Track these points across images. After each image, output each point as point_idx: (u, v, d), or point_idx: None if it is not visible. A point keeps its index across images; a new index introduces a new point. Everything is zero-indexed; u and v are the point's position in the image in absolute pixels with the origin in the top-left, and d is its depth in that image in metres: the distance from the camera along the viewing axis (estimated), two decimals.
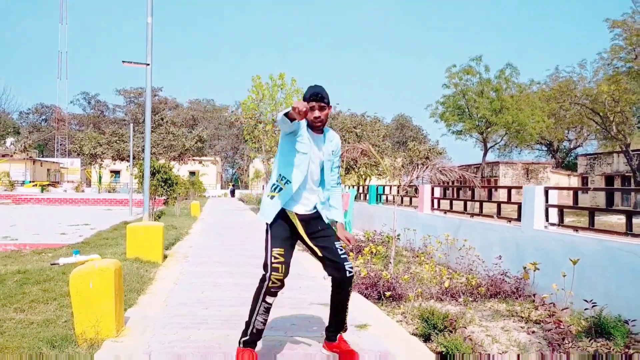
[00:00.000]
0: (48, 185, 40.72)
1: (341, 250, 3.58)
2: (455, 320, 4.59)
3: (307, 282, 6.62)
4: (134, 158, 22.99)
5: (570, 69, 35.16)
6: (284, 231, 3.52)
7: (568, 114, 32.19)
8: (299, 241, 3.66)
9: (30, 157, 52.99)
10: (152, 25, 8.58)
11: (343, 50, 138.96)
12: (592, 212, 5.76)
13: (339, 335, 3.80)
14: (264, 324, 3.54)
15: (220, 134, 73.58)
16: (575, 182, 43.84)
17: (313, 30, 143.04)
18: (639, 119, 30.41)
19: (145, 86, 9.35)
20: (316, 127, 3.56)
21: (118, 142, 41.64)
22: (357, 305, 5.46)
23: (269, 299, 3.47)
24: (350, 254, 8.11)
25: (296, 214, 3.57)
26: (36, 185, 39.65)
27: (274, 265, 3.40)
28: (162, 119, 45.34)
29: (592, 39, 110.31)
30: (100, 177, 40.75)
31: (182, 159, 43.13)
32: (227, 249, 9.91)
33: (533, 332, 4.93)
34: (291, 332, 4.42)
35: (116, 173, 55.65)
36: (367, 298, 5.81)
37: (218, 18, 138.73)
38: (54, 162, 60.48)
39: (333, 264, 3.55)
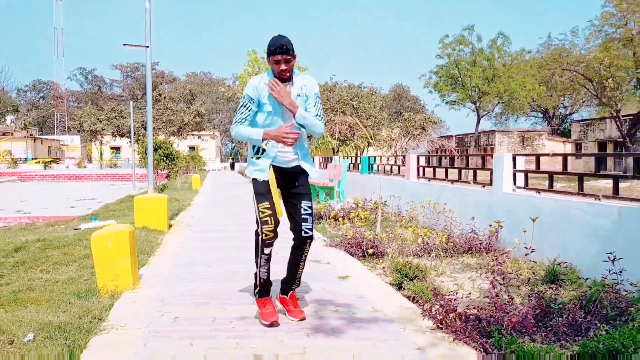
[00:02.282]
0: (50, 162, 41.36)
1: (305, 211, 3.86)
2: (424, 271, 5.29)
3: None
4: (134, 134, 23.60)
5: (562, 36, 35.47)
6: (265, 186, 3.78)
7: (560, 81, 32.66)
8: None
9: (30, 134, 53.49)
10: (150, 9, 9.12)
11: (339, 21, 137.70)
12: (551, 175, 6.42)
13: (291, 292, 4.07)
14: (268, 273, 3.88)
15: (219, 107, 73.92)
16: (570, 148, 44.42)
17: (308, 1, 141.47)
18: (634, 85, 30.85)
19: (145, 67, 9.91)
20: (283, 79, 3.72)
21: (117, 118, 42.01)
22: (342, 260, 6.18)
23: (266, 250, 3.79)
24: (340, 219, 8.80)
25: (278, 167, 3.83)
26: (39, 162, 40.29)
27: (263, 219, 3.72)
28: (160, 95, 45.59)
29: (584, 6, 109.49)
30: (101, 154, 41.32)
31: (181, 134, 43.58)
32: (227, 217, 10.62)
33: (496, 280, 5.64)
34: None
35: (116, 149, 56.19)
36: (352, 255, 6.52)
37: None
38: (54, 139, 61.01)
39: (294, 223, 3.89)
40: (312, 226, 3.89)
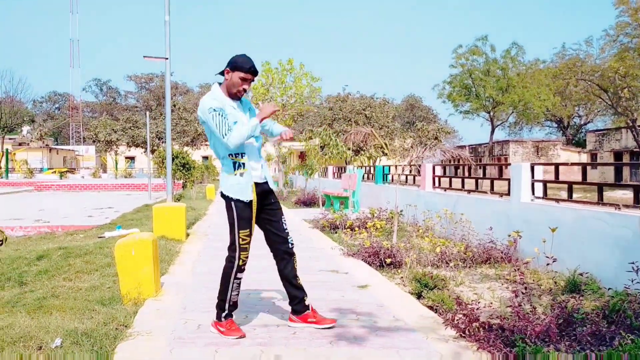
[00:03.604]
0: (66, 172, 41.86)
1: (285, 224, 3.96)
2: (444, 280, 5.30)
3: (315, 252, 7.37)
4: (149, 145, 23.91)
5: (576, 46, 35.32)
6: (248, 211, 3.77)
7: (574, 91, 32.47)
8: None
9: (46, 145, 54.23)
10: (170, 22, 9.30)
11: (351, 32, 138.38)
12: (570, 185, 6.40)
13: (309, 305, 4.02)
14: (238, 295, 3.88)
15: None
16: (585, 158, 44.08)
17: (321, 12, 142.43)
18: None
19: (165, 78, 10.07)
20: (239, 97, 3.78)
21: (132, 128, 42.50)
22: (360, 270, 6.20)
23: (240, 275, 3.82)
24: (356, 229, 8.82)
25: (255, 183, 3.79)
26: (55, 172, 40.80)
27: (242, 246, 3.77)
28: (174, 105, 46.08)
29: (598, 16, 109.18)
30: (116, 164, 41.73)
31: (194, 144, 43.95)
32: None
33: (517, 289, 5.62)
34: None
35: (131, 159, 56.71)
36: (370, 265, 6.53)
37: (226, 1, 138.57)
38: (69, 149, 61.77)
39: (277, 238, 3.94)
40: None
